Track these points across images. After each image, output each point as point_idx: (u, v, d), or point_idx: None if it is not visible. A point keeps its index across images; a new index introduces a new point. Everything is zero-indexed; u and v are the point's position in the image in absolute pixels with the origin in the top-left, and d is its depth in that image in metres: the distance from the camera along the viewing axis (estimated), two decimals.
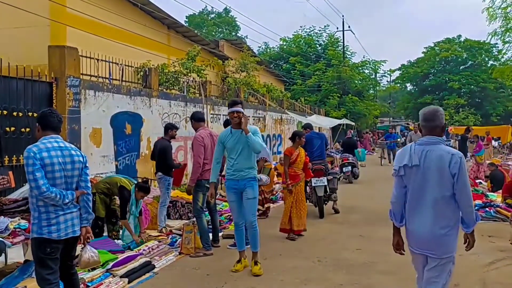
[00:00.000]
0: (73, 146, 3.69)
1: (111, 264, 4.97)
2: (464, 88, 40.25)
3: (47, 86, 7.60)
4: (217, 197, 7.35)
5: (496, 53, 39.31)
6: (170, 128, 7.79)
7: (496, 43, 38.77)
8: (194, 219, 6.19)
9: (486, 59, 42.81)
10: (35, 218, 3.44)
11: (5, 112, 6.70)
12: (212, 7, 46.98)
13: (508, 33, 21.49)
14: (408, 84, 47.47)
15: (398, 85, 46.45)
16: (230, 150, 5.38)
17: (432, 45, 44.14)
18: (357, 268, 5.48)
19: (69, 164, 3.52)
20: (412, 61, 45.28)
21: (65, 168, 3.49)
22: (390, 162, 20.13)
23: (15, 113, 6.87)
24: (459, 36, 44.03)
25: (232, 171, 5.37)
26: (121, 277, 4.87)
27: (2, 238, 4.58)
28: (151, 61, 11.38)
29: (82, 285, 4.33)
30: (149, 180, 6.72)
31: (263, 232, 7.26)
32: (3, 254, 5.04)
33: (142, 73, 10.73)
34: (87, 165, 3.69)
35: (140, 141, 9.86)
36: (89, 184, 3.70)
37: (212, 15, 46.92)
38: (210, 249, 6.08)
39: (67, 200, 3.46)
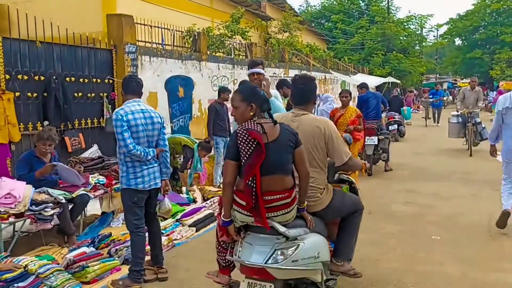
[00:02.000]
0: (152, 108, 4.13)
1: (180, 215, 5.52)
2: None
3: (108, 53, 8.06)
4: None
5: None
6: (222, 91, 8.19)
7: None
8: None
9: None
10: (123, 171, 3.94)
11: (73, 78, 7.22)
12: None
13: None
14: (456, 39, 45.39)
15: (446, 40, 44.46)
16: None
17: None
18: (407, 219, 5.79)
19: (150, 125, 3.97)
20: (461, 14, 43.12)
21: (147, 129, 3.95)
22: (435, 122, 19.29)
23: (81, 80, 7.41)
24: None
25: None
26: (189, 226, 5.41)
27: (86, 191, 5.16)
28: (196, 24, 11.58)
29: None
30: (210, 140, 7.19)
31: None
32: None
33: (187, 37, 11.02)
34: (164, 125, 4.13)
35: (192, 103, 10.30)
36: (167, 142, 4.17)
37: None
38: None
39: (149, 157, 3.93)
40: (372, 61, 28.24)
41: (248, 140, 2.80)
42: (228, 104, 10.81)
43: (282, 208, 2.85)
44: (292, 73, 15.80)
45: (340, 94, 7.48)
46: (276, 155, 2.83)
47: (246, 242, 2.94)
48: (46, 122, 6.64)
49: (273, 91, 4.95)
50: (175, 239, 5.06)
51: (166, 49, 9.84)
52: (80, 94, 7.35)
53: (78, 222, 5.33)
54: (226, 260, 3.18)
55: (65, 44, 7.15)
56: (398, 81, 24.39)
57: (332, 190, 3.36)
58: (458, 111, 11.66)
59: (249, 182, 2.78)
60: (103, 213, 5.87)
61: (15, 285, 3.57)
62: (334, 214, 3.35)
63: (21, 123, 6.28)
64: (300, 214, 3.00)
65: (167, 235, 5.08)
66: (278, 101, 4.80)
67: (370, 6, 32.32)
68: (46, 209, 4.41)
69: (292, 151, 2.90)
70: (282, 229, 2.86)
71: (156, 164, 4.05)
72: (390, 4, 33.42)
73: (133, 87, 4.04)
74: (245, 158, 2.81)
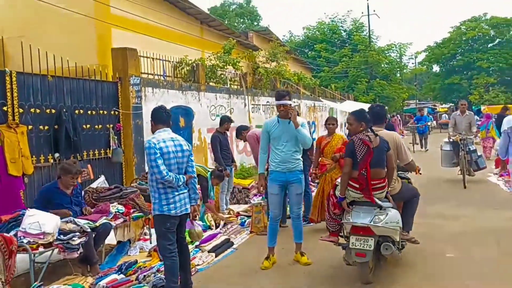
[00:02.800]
0: (180, 137, 4.29)
1: (198, 241, 5.59)
2: (493, 67, 39.59)
3: (113, 86, 8.23)
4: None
5: None
6: (226, 121, 8.34)
7: None
8: (262, 201, 6.76)
9: None
10: (155, 198, 4.06)
11: (81, 111, 7.35)
12: None
13: None
14: (434, 65, 46.88)
15: (425, 67, 45.91)
16: (277, 140, 5.10)
17: (458, 24, 43.47)
18: (419, 239, 5.93)
19: (180, 153, 4.13)
20: (438, 42, 44.73)
21: (177, 156, 4.10)
22: (422, 148, 19.57)
23: (89, 112, 7.53)
24: (485, 13, 43.23)
25: (278, 163, 5.09)
26: (208, 252, 5.49)
27: (108, 220, 5.23)
28: (188, 55, 11.68)
29: None
30: (223, 169, 7.30)
31: None
32: None
33: (180, 68, 11.07)
34: (192, 153, 4.28)
35: (192, 132, 10.46)
36: (195, 169, 4.31)
37: (234, 6, 47.22)
38: None
39: (180, 183, 4.07)
40: (357, 88, 28.98)
41: (362, 145, 4.41)
42: (228, 133, 11.06)
43: (380, 189, 4.48)
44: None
45: (326, 121, 7.15)
46: (378, 155, 4.43)
47: (354, 211, 4.50)
48: (56, 154, 6.72)
49: (300, 119, 5.19)
50: (197, 265, 5.14)
51: (168, 80, 10.05)
52: (88, 126, 7.47)
53: (99, 251, 5.36)
54: (336, 227, 4.76)
55: (74, 77, 7.29)
56: (386, 107, 24.93)
57: (401, 181, 4.98)
58: (450, 138, 10.56)
59: (363, 172, 4.36)
60: (118, 242, 5.90)
61: None
62: (402, 198, 4.98)
63: (33, 156, 6.35)
64: (385, 195, 4.55)
65: None
66: (304, 128, 5.08)
67: (352, 36, 33.33)
68: (73, 238, 4.46)
69: (386, 153, 4.51)
70: (379, 202, 4.43)
71: (185, 190, 4.19)
72: (371, 33, 34.55)
73: (162, 117, 4.23)
74: (360, 157, 4.38)
